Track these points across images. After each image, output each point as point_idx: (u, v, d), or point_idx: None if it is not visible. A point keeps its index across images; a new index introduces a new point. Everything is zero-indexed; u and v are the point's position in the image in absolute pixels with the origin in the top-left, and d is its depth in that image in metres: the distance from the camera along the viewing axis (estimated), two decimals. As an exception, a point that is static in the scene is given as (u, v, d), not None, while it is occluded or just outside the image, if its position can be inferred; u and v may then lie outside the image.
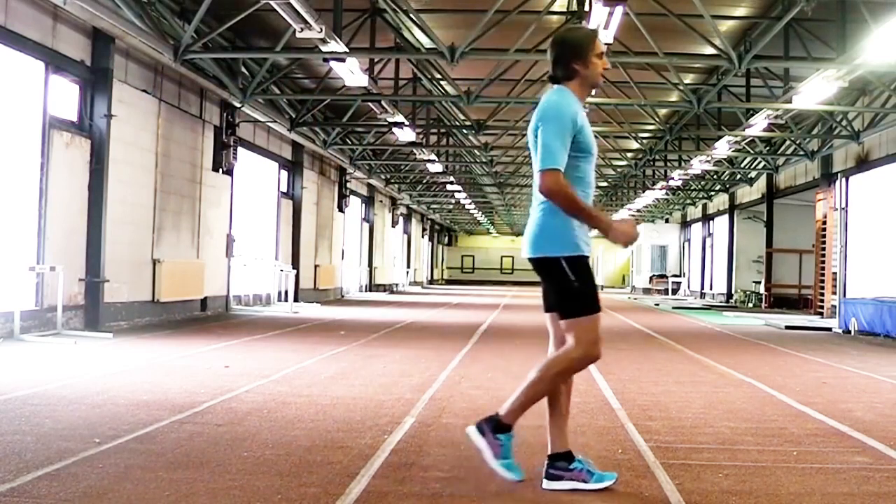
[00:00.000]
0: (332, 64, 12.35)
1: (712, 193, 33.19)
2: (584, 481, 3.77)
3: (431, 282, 52.74)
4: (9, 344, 9.30)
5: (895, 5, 10.85)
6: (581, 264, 3.78)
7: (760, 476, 4.12)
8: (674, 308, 24.61)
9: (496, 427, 3.82)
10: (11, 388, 6.13)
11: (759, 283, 28.08)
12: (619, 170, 28.08)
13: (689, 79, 17.29)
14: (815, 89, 13.11)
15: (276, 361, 8.42)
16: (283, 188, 21.12)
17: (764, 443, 4.93)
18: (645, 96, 17.10)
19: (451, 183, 30.96)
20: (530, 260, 3.87)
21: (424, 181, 32.61)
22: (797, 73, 15.27)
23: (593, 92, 4.16)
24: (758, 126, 17.07)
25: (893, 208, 16.81)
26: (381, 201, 33.47)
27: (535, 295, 26.66)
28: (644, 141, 22.80)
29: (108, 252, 11.82)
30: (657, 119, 19.39)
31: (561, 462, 3.82)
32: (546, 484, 3.80)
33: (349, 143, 23.80)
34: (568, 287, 3.79)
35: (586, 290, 3.82)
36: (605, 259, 55.70)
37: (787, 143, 22.18)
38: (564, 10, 13.54)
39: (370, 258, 31.65)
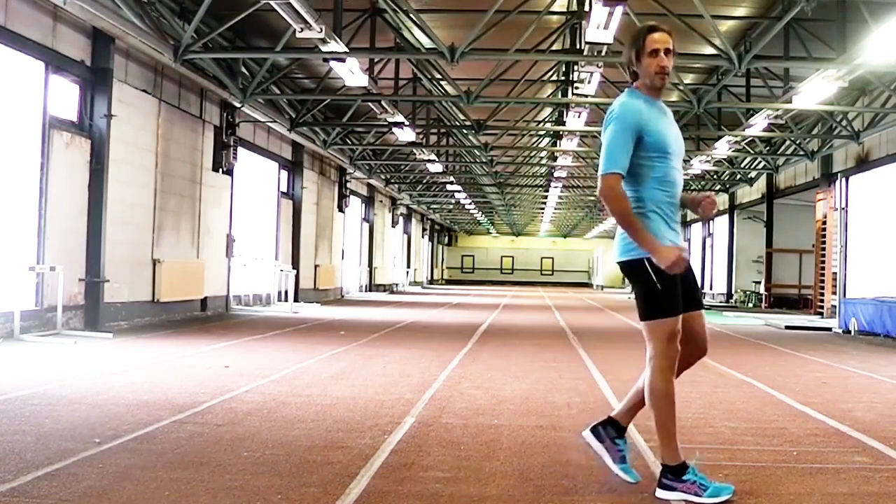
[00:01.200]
0: (332, 64, 12.35)
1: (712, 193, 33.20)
2: (697, 494, 3.65)
3: (431, 282, 52.74)
4: (9, 344, 9.30)
5: (895, 5, 10.85)
6: (650, 266, 3.68)
7: (760, 476, 4.12)
8: (674, 308, 24.56)
9: (617, 432, 3.89)
10: (11, 388, 6.13)
11: (759, 283, 28.08)
12: (619, 170, 27.99)
13: (689, 79, 17.29)
14: (815, 89, 13.11)
15: (276, 361, 8.42)
16: (283, 188, 21.12)
17: (764, 443, 4.93)
18: (645, 96, 17.07)
19: (451, 183, 30.97)
20: (618, 264, 3.82)
21: (424, 181, 32.60)
22: (797, 73, 15.27)
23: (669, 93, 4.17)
24: (758, 126, 17.08)
25: (893, 208, 16.81)
26: (381, 201, 33.46)
27: (536, 295, 26.76)
28: (644, 141, 22.73)
29: (108, 252, 11.82)
30: (657, 119, 19.34)
31: (669, 474, 3.74)
32: (659, 493, 3.75)
33: (349, 143, 23.80)
34: (652, 290, 3.69)
35: (661, 291, 3.68)
36: (605, 259, 55.71)
37: (787, 143, 22.18)
38: (564, 10, 13.55)
39: (370, 258, 31.65)
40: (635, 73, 3.81)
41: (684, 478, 3.69)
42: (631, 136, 3.65)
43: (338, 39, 11.14)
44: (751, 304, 27.51)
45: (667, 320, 3.67)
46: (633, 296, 3.95)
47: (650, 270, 3.66)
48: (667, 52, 3.74)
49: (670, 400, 3.68)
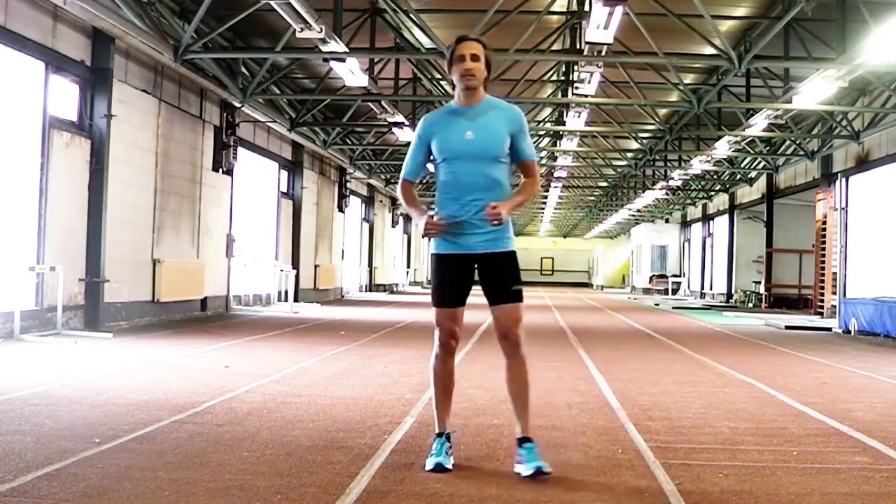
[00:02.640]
0: (332, 64, 12.36)
1: (712, 193, 33.19)
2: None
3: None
4: (9, 344, 9.30)
5: (895, 5, 10.85)
6: (433, 261, 4.24)
7: (760, 476, 4.12)
8: (674, 308, 24.61)
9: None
10: (11, 388, 6.13)
11: (759, 283, 28.08)
12: (619, 170, 28.08)
13: (689, 79, 17.29)
14: (815, 89, 13.12)
15: (276, 361, 8.42)
16: (283, 188, 21.12)
17: (764, 443, 4.93)
18: (645, 96, 17.11)
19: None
20: None
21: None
22: (797, 73, 15.27)
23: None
24: (758, 126, 17.08)
25: (893, 208, 16.81)
26: (381, 201, 33.46)
27: (536, 295, 26.75)
28: (644, 141, 22.80)
29: (108, 252, 11.82)
30: (657, 119, 19.39)
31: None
32: None
33: (349, 143, 23.80)
34: (432, 281, 4.31)
35: (433, 286, 4.26)
36: (605, 259, 55.74)
37: (787, 143, 22.18)
38: (564, 9, 13.56)
39: (370, 258, 31.65)
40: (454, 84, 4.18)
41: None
42: (419, 144, 4.21)
43: (338, 39, 11.15)
44: (751, 304, 27.51)
45: (435, 311, 4.21)
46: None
47: (432, 265, 4.25)
48: (474, 57, 4.06)
49: (436, 377, 4.25)
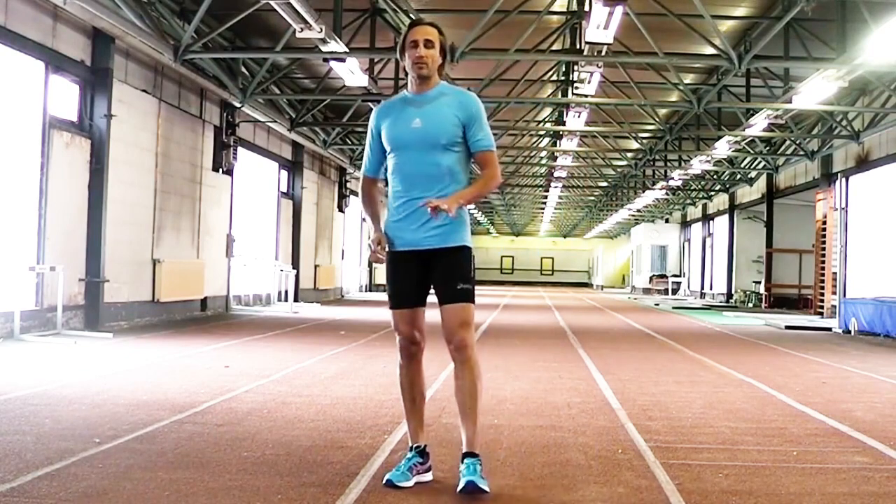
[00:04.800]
0: (332, 64, 12.36)
1: (712, 193, 33.19)
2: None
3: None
4: (9, 344, 9.30)
5: (895, 5, 10.85)
6: (387, 261, 3.97)
7: (760, 476, 4.12)
8: (674, 308, 24.61)
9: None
10: (11, 388, 6.13)
11: (759, 283, 28.09)
12: (619, 170, 28.09)
13: (689, 79, 17.30)
14: (815, 89, 13.11)
15: (276, 361, 8.42)
16: (283, 188, 21.12)
17: (764, 443, 4.93)
18: (645, 96, 17.11)
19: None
20: None
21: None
22: (797, 73, 15.27)
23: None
24: (758, 126, 17.08)
25: (893, 208, 16.81)
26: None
27: (536, 295, 26.72)
28: (644, 141, 22.80)
29: (108, 252, 11.82)
30: (657, 119, 19.40)
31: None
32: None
33: (349, 143, 23.80)
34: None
35: (388, 286, 4.03)
36: (605, 259, 55.74)
37: (787, 143, 22.18)
38: (564, 9, 13.56)
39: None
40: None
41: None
42: (373, 137, 4.00)
43: (338, 39, 11.14)
44: (751, 304, 27.52)
45: (391, 312, 3.95)
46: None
47: (386, 266, 3.97)
48: (427, 43, 3.79)
49: (402, 387, 3.99)
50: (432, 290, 3.90)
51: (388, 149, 3.92)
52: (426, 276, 3.86)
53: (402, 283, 3.90)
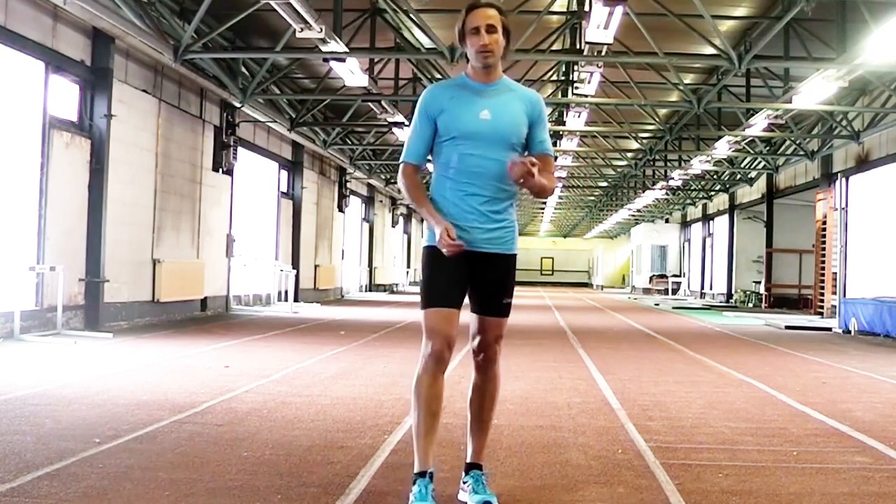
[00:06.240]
0: (332, 64, 12.35)
1: (712, 193, 33.20)
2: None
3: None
4: (9, 344, 9.30)
5: (895, 5, 10.85)
6: (426, 255, 3.56)
7: (760, 476, 4.12)
8: (674, 308, 24.61)
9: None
10: (11, 388, 6.13)
11: (759, 283, 28.09)
12: (619, 170, 28.08)
13: (689, 79, 17.29)
14: (815, 89, 13.12)
15: (276, 361, 8.42)
16: (283, 188, 21.12)
17: (764, 443, 4.93)
18: (645, 96, 17.11)
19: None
20: None
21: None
22: (797, 73, 15.27)
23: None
24: (758, 126, 17.08)
25: (893, 208, 16.81)
26: (381, 201, 33.45)
27: (536, 295, 26.68)
28: (644, 141, 22.80)
29: (108, 252, 11.82)
30: (657, 119, 19.40)
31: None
32: None
33: (349, 143, 23.80)
34: (424, 279, 3.60)
35: (425, 282, 3.57)
36: (605, 259, 55.73)
37: (787, 143, 22.18)
38: (564, 9, 13.55)
39: (370, 258, 31.64)
40: (464, 53, 3.58)
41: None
42: (425, 121, 3.55)
43: (338, 39, 11.14)
44: (751, 304, 27.51)
45: (424, 312, 3.53)
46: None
47: (426, 259, 3.56)
48: (489, 28, 3.47)
49: (419, 398, 3.48)
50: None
51: (442, 136, 3.54)
52: (469, 277, 3.56)
53: (447, 281, 3.51)
